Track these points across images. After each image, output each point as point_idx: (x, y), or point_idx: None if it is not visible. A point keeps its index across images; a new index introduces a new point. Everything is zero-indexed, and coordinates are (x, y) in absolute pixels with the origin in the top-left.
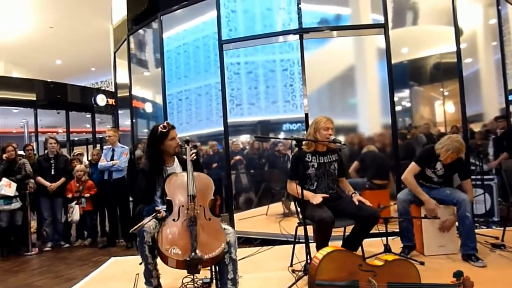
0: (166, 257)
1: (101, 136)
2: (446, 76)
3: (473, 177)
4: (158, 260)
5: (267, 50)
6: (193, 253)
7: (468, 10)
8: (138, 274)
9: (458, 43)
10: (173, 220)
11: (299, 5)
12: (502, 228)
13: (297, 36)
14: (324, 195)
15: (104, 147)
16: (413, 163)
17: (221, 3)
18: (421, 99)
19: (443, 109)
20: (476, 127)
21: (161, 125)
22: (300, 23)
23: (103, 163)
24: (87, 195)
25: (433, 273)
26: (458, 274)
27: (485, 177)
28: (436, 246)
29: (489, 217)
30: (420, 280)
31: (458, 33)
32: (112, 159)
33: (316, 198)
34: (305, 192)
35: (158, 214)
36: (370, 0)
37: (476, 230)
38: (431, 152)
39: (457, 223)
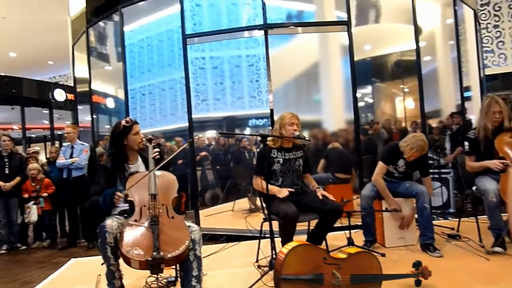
0: (128, 258)
1: (60, 133)
2: (406, 73)
3: (431, 170)
4: (121, 260)
5: (233, 45)
6: (154, 253)
7: (427, 9)
8: (100, 275)
9: (417, 41)
10: (135, 220)
11: (264, 1)
12: (458, 219)
13: (262, 32)
14: (290, 189)
15: (63, 144)
16: (380, 163)
17: None
18: (382, 95)
19: (403, 105)
20: (434, 123)
21: (124, 120)
22: (265, 18)
23: (61, 161)
24: (45, 194)
25: (393, 264)
26: (417, 264)
27: (442, 170)
28: (396, 238)
29: (445, 208)
30: (382, 271)
31: (417, 31)
32: (71, 156)
33: (282, 192)
34: (270, 187)
35: (115, 198)
36: None
37: (433, 222)
38: (395, 149)
39: (416, 216)
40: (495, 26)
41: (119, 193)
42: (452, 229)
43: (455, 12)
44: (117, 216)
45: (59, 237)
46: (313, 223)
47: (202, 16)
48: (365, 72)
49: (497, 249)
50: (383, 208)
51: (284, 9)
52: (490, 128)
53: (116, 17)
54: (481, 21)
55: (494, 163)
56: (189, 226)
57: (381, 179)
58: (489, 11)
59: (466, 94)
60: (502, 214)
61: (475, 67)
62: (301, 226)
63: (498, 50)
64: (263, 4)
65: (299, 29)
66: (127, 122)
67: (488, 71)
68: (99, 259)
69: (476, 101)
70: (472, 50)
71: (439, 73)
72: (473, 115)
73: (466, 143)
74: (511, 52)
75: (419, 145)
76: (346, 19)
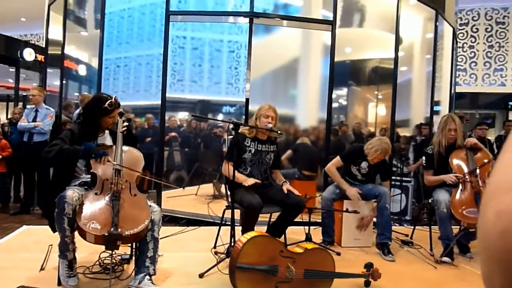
0: (84, 231)
1: (25, 94)
2: (382, 80)
3: (393, 177)
4: (76, 233)
5: (216, 29)
6: (112, 229)
7: (409, 20)
8: (51, 245)
9: (397, 50)
10: (96, 194)
11: None
12: (412, 227)
13: (247, 20)
14: (257, 180)
15: (27, 107)
16: (337, 157)
17: None
18: (356, 99)
19: (375, 111)
20: (402, 132)
21: (109, 102)
22: (252, 6)
23: (23, 123)
24: None
25: (347, 263)
26: (368, 266)
27: (403, 178)
28: (352, 239)
29: (402, 215)
30: (335, 269)
31: (398, 41)
32: (34, 120)
33: (249, 181)
34: (238, 174)
35: (102, 158)
36: None
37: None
38: (359, 151)
39: (374, 219)
40: (471, 47)
41: (109, 158)
42: (407, 235)
43: (436, 27)
44: (78, 188)
45: (12, 202)
46: (275, 215)
47: None
48: (342, 74)
49: (445, 259)
50: (344, 208)
51: (271, 1)
52: (444, 145)
53: None
54: (458, 40)
55: (449, 177)
56: (150, 206)
57: (333, 169)
58: (466, 31)
59: (435, 108)
60: (453, 227)
61: (447, 83)
62: (263, 217)
63: (470, 70)
64: None
65: (284, 22)
66: (110, 105)
67: (458, 89)
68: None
69: None
70: (447, 66)
71: (412, 84)
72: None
73: (424, 158)
74: (482, 73)
75: (384, 147)
76: (331, 19)
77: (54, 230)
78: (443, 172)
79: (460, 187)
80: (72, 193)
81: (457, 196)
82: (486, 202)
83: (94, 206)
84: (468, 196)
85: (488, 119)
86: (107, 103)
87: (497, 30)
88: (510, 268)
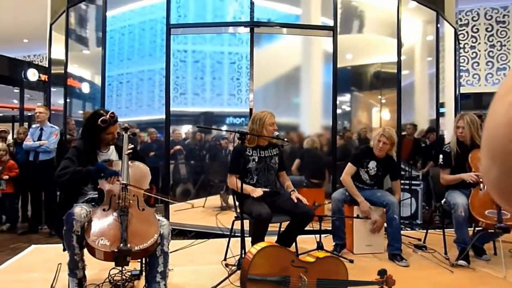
0: (93, 248)
1: (29, 114)
2: (385, 85)
3: (402, 181)
4: (85, 250)
5: (216, 41)
6: (121, 245)
7: (409, 24)
8: (60, 264)
9: (399, 54)
10: (103, 210)
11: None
12: (425, 231)
13: (248, 29)
14: (264, 189)
15: (32, 126)
16: (349, 164)
17: None
18: (360, 105)
19: (379, 115)
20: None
21: (102, 118)
22: (252, 17)
23: (29, 142)
24: (6, 177)
25: (360, 271)
26: (382, 272)
27: (412, 182)
28: (364, 245)
29: (413, 219)
30: (348, 277)
31: (400, 45)
32: (39, 139)
33: (256, 192)
34: (245, 186)
35: (112, 177)
36: (321, 3)
37: (401, 232)
38: (365, 151)
39: (385, 224)
40: (472, 47)
41: (120, 178)
42: (419, 240)
43: (437, 29)
44: (86, 204)
45: (20, 222)
46: (285, 224)
47: (188, 9)
48: (344, 80)
49: (461, 262)
50: (354, 215)
51: (270, 10)
52: (456, 143)
53: (98, 1)
54: (459, 41)
55: (469, 175)
56: (158, 219)
57: (348, 178)
58: (467, 32)
59: (440, 110)
60: (469, 229)
61: (450, 84)
62: (272, 227)
63: (473, 70)
64: (251, 4)
65: (285, 30)
66: (103, 121)
67: (461, 90)
68: (60, 246)
69: (450, 118)
70: (449, 67)
71: (415, 88)
72: (446, 130)
73: (441, 156)
74: (485, 73)
75: (387, 132)
76: (332, 25)
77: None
78: (460, 171)
79: (481, 186)
80: (80, 210)
81: (478, 196)
82: (497, 100)
83: (102, 223)
84: (489, 196)
85: None
86: (99, 120)
87: (497, 30)
88: (508, 157)
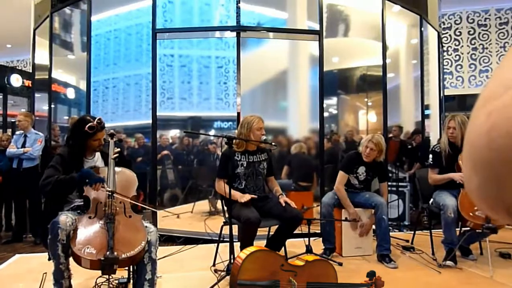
0: (79, 257)
1: (13, 120)
2: (371, 87)
3: (389, 183)
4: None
5: (203, 46)
6: (108, 253)
7: (393, 28)
8: (45, 273)
9: (384, 57)
10: (89, 217)
11: (238, 4)
12: (412, 232)
13: (234, 33)
14: (253, 195)
15: (16, 133)
16: (340, 173)
17: None
18: (346, 107)
19: (366, 118)
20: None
21: (90, 124)
22: (238, 21)
23: (12, 149)
24: None
25: (349, 273)
26: (370, 274)
27: (399, 184)
28: (353, 248)
29: (401, 221)
30: (337, 280)
31: (385, 48)
32: (23, 146)
33: (245, 197)
34: (233, 192)
35: (97, 184)
36: (306, 7)
37: (390, 234)
38: (354, 157)
39: (374, 226)
40: (455, 50)
41: (105, 185)
42: (407, 241)
43: (421, 32)
44: (71, 212)
45: (3, 231)
46: (273, 228)
47: (174, 13)
48: (331, 83)
49: (449, 262)
50: (343, 218)
51: (257, 14)
52: (446, 143)
53: (83, 5)
54: (443, 44)
55: (460, 175)
56: (146, 226)
57: (342, 188)
58: (450, 35)
59: (425, 112)
60: (457, 229)
61: (435, 86)
62: (261, 231)
63: (456, 72)
64: (237, 8)
65: (271, 34)
66: (91, 128)
67: (445, 92)
68: (45, 255)
69: (435, 120)
70: (434, 70)
71: (401, 90)
72: (431, 132)
73: (431, 156)
74: (468, 75)
75: (376, 138)
76: (318, 29)
77: (50, 258)
78: (449, 172)
79: None
80: (65, 218)
81: (467, 196)
82: (477, 109)
83: (88, 231)
84: None
85: None
86: (87, 126)
87: (479, 33)
88: (488, 166)
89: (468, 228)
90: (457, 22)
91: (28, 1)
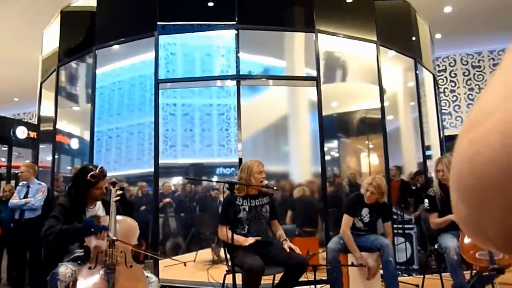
0: None
1: (17, 172)
2: (371, 130)
3: (395, 225)
4: None
5: (205, 94)
6: None
7: (390, 72)
8: None
9: (382, 100)
10: (89, 268)
11: (238, 54)
12: (422, 276)
13: (235, 82)
14: (257, 238)
15: (20, 183)
16: (345, 216)
17: (160, 44)
18: (348, 150)
19: (368, 160)
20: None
21: (92, 173)
22: (238, 69)
23: (14, 200)
24: None
25: None
26: None
27: (405, 226)
28: None
29: (409, 264)
30: None
31: (382, 91)
32: (26, 196)
33: (248, 240)
34: (236, 236)
35: (101, 233)
36: (303, 56)
37: (398, 278)
38: (356, 198)
39: (381, 271)
40: (452, 91)
41: (110, 233)
42: (417, 286)
43: (416, 75)
44: (71, 263)
45: (6, 284)
46: (278, 276)
47: (176, 64)
48: (331, 127)
49: None
50: (349, 262)
51: (256, 63)
52: (437, 185)
53: (89, 59)
54: (439, 86)
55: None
56: (147, 276)
57: (348, 232)
58: (445, 77)
59: (427, 152)
60: (467, 271)
61: (435, 127)
62: (266, 279)
63: (455, 113)
64: (237, 58)
65: (270, 81)
66: (93, 176)
67: (446, 132)
68: None
69: None
70: (432, 111)
71: (401, 132)
72: (434, 173)
73: (426, 201)
74: (466, 115)
75: (376, 181)
76: (315, 76)
77: None
78: (447, 214)
79: None
80: (64, 269)
81: (466, 238)
82: (461, 136)
83: (88, 282)
84: None
85: None
86: (89, 175)
87: (474, 74)
88: (472, 193)
89: (476, 271)
90: (451, 64)
91: (36, 57)
